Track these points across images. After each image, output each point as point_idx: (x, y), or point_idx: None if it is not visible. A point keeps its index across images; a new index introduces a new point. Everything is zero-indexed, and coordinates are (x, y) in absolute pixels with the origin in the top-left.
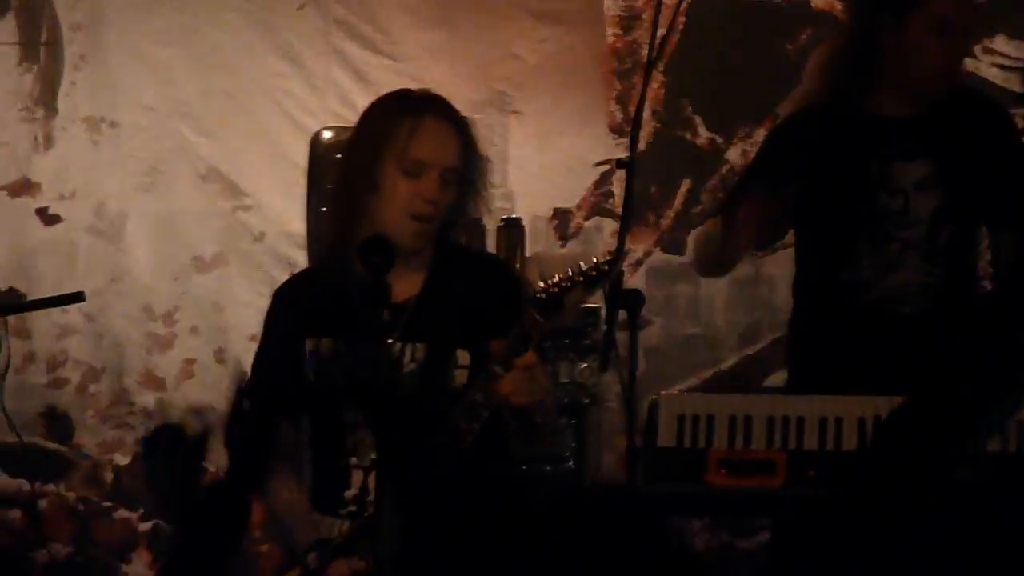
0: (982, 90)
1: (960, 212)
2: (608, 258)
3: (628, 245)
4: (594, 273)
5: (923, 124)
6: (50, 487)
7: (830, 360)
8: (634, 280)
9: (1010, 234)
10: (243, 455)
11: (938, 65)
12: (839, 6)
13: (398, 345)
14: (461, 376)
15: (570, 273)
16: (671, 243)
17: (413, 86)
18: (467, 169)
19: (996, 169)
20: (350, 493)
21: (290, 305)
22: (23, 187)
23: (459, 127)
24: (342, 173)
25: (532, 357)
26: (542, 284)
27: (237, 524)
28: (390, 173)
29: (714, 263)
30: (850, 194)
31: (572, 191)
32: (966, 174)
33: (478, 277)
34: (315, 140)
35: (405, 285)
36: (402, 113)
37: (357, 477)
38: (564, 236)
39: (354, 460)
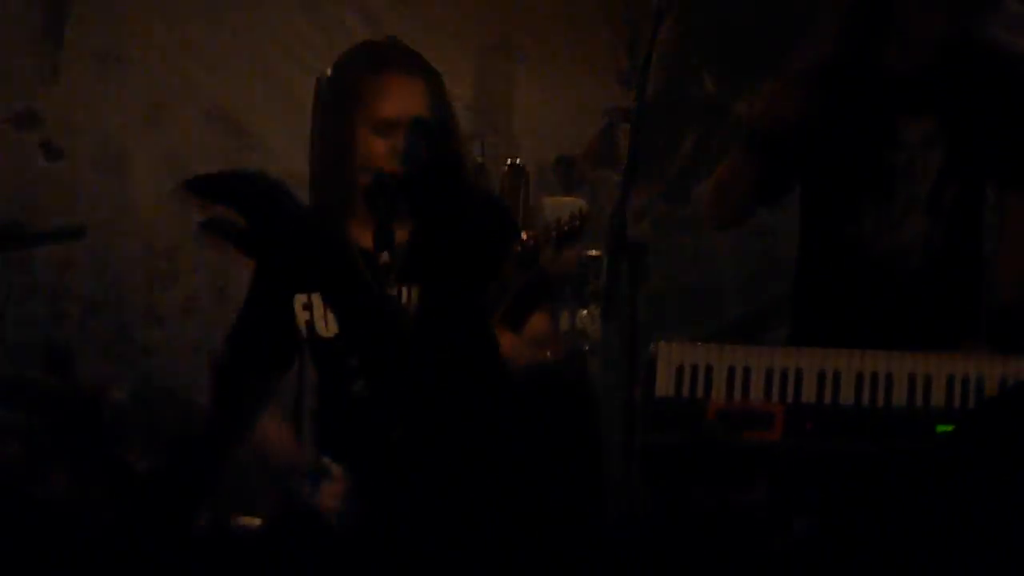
0: (994, 45)
1: (966, 169)
2: (579, 217)
3: (632, 195)
4: (566, 230)
5: (930, 79)
6: (48, 421)
7: (832, 314)
8: (637, 230)
9: (1017, 194)
10: (223, 406)
11: (945, 19)
12: None
13: (395, 289)
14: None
15: (545, 230)
16: (676, 194)
17: (421, 29)
18: (440, 116)
19: (1005, 126)
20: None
21: (280, 260)
22: (27, 120)
23: (426, 79)
24: (319, 133)
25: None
26: (523, 237)
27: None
28: (362, 134)
29: (728, 214)
30: (855, 150)
31: (578, 139)
32: (973, 131)
33: (476, 216)
34: (321, 81)
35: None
36: (367, 72)
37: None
38: (568, 184)
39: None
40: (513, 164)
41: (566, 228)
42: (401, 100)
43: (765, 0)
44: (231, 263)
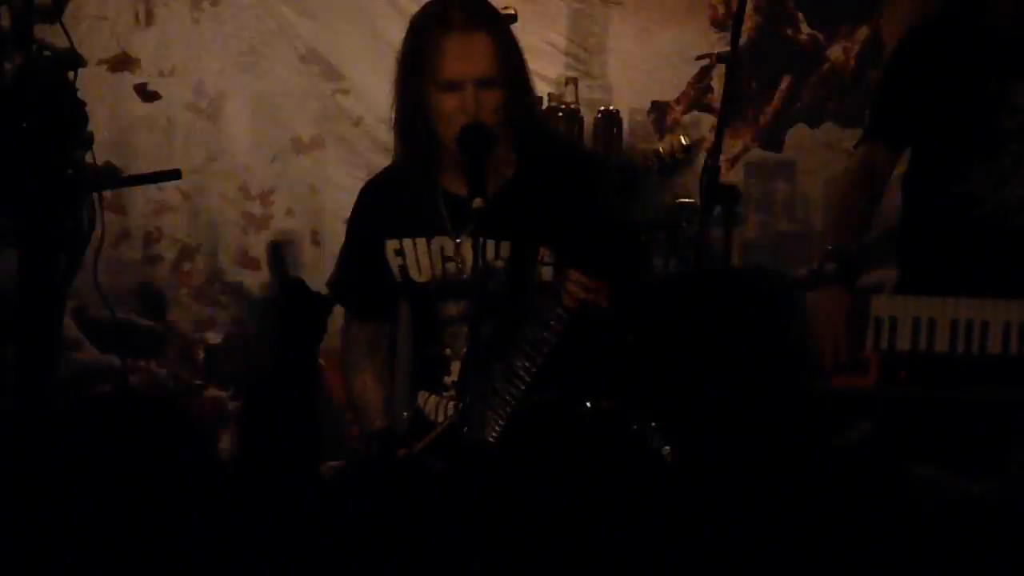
0: None
1: None
2: (684, 146)
3: (726, 141)
4: (670, 160)
5: None
6: (142, 363)
7: (941, 271)
8: (731, 176)
9: None
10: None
11: None
12: None
13: (481, 241)
14: (547, 272)
15: (652, 152)
16: (769, 139)
17: None
18: (506, 69)
19: None
20: (449, 379)
21: (373, 206)
22: (122, 62)
23: (489, 30)
24: (398, 89)
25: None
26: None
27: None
28: (432, 92)
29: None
30: (967, 112)
31: (672, 85)
32: None
33: (564, 170)
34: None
35: (492, 178)
36: (430, 33)
37: (455, 366)
38: (662, 130)
39: (448, 351)
40: (606, 110)
41: (669, 159)
42: (462, 60)
43: None
44: (325, 208)
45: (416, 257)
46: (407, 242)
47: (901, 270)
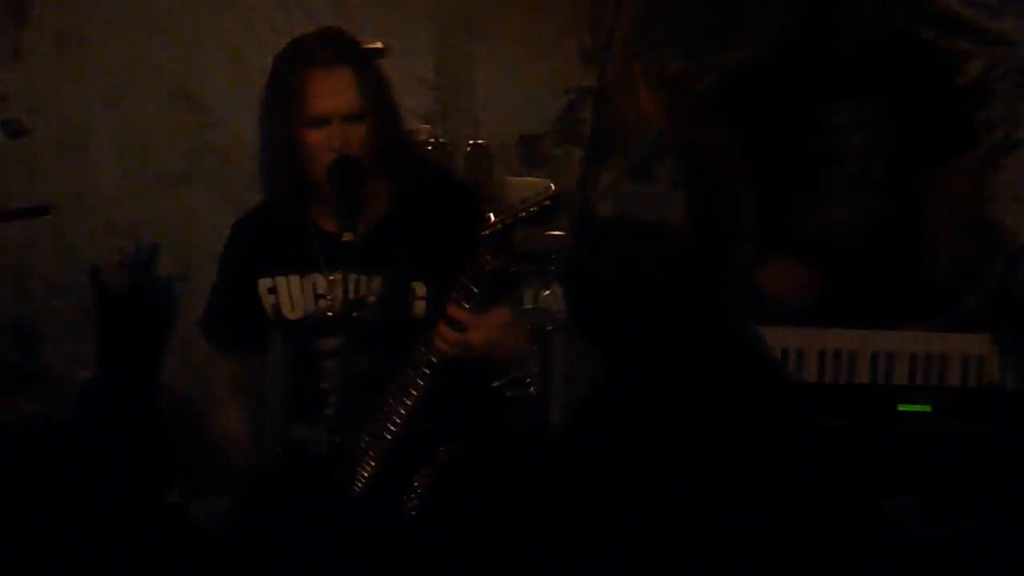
0: (916, 31)
1: (894, 149)
2: (553, 195)
3: (596, 173)
4: (535, 210)
5: (860, 61)
6: (14, 400)
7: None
8: (601, 208)
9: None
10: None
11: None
12: None
13: (353, 276)
14: (420, 307)
15: (514, 209)
16: (640, 171)
17: (382, 8)
18: (372, 102)
19: (926, 107)
20: (328, 411)
21: (245, 242)
22: None
23: (353, 64)
24: (264, 127)
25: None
26: (491, 219)
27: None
28: (298, 128)
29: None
30: (781, 141)
31: (541, 118)
32: (897, 112)
33: (438, 200)
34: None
35: (367, 213)
36: (293, 70)
37: (333, 398)
38: (532, 163)
39: (326, 385)
40: (475, 144)
41: (535, 208)
42: (326, 96)
43: None
44: (194, 244)
45: (289, 294)
46: (280, 280)
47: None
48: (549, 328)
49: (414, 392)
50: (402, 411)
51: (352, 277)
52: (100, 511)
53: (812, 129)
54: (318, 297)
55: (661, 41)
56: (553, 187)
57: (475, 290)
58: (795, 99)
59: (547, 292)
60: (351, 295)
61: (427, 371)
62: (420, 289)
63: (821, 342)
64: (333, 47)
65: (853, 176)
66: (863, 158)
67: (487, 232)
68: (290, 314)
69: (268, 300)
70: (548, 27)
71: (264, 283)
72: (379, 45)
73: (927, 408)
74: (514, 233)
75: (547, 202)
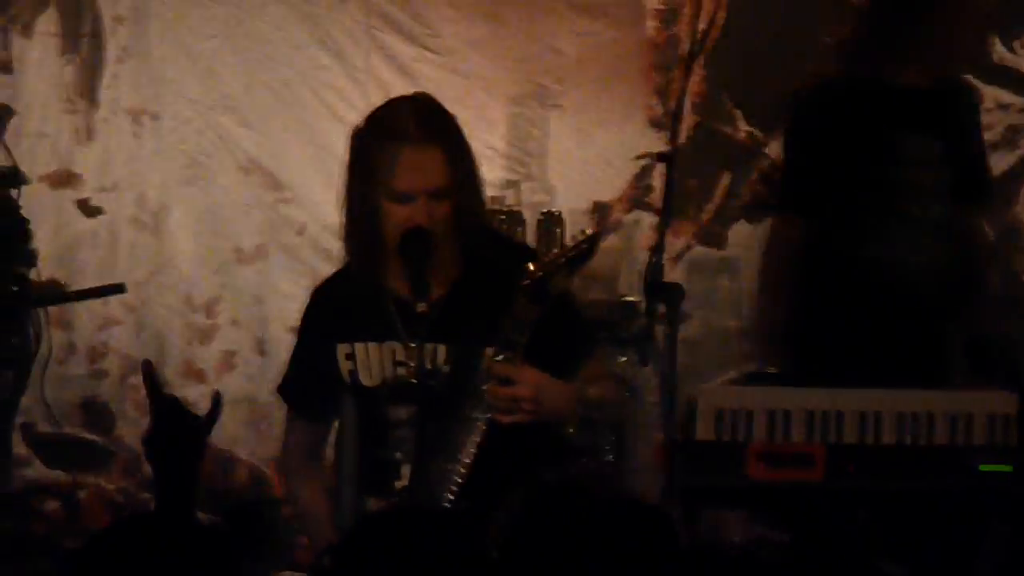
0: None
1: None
2: (589, 236)
3: (668, 239)
4: (573, 253)
5: (928, 100)
6: (89, 478)
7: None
8: (674, 274)
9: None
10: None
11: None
12: None
13: (429, 346)
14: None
15: (551, 257)
16: (711, 236)
17: (454, 79)
18: (458, 178)
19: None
20: (400, 484)
21: (323, 309)
22: (65, 178)
23: (441, 140)
24: (347, 195)
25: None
26: (529, 269)
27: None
28: (382, 202)
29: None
30: (862, 170)
31: (612, 185)
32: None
33: (509, 268)
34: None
35: (439, 281)
36: (382, 144)
37: (406, 470)
38: (603, 229)
39: (399, 455)
40: (548, 212)
41: (572, 253)
42: (415, 173)
43: (794, 41)
44: (270, 318)
45: (367, 361)
46: (359, 346)
47: (796, 357)
48: (626, 394)
49: (465, 458)
50: (456, 477)
51: (428, 346)
52: None
53: (886, 158)
54: (396, 364)
55: (729, 107)
56: (590, 228)
57: (517, 340)
58: (869, 125)
59: (622, 359)
60: (427, 364)
61: (476, 438)
62: (494, 355)
63: (894, 404)
64: (424, 123)
65: (922, 213)
66: (930, 195)
67: (526, 282)
68: (367, 381)
69: (346, 366)
70: (618, 95)
71: (343, 349)
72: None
73: (1008, 468)
74: (554, 280)
75: (583, 245)
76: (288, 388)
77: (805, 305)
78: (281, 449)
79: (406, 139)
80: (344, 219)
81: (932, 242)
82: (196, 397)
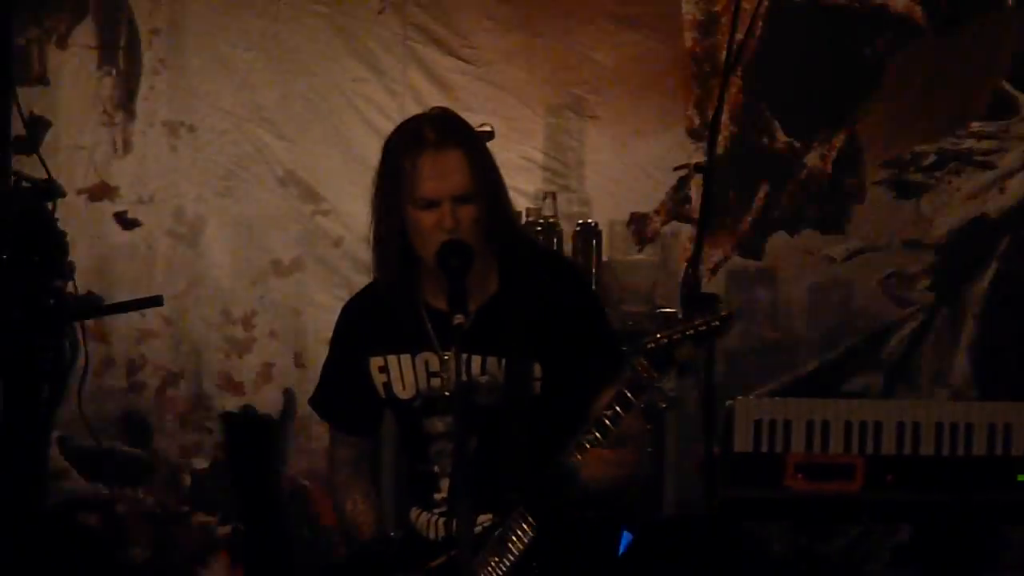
0: None
1: None
2: (721, 316)
3: (705, 250)
4: (704, 329)
5: None
6: (128, 491)
7: None
8: (711, 285)
9: None
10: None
11: None
12: (919, 10)
13: (465, 355)
14: (535, 388)
15: (682, 327)
16: (749, 247)
17: (491, 90)
18: (481, 184)
19: None
20: (439, 496)
21: (356, 323)
22: (102, 191)
23: (463, 146)
24: (375, 206)
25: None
26: (657, 336)
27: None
28: (409, 210)
29: None
30: None
31: (649, 196)
32: None
33: (549, 282)
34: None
35: (476, 292)
36: (404, 152)
37: (444, 483)
38: (641, 241)
39: (437, 468)
40: (584, 223)
41: (704, 328)
42: (437, 178)
43: (833, 52)
44: (308, 330)
45: (401, 373)
46: (391, 359)
47: None
48: (663, 406)
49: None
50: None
51: (464, 356)
52: None
53: None
54: (431, 375)
55: (767, 118)
56: (725, 312)
57: (634, 401)
58: None
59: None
60: (463, 376)
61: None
62: (536, 369)
63: (933, 415)
64: (443, 129)
65: None
66: None
67: (651, 346)
68: (402, 393)
69: (379, 379)
70: (656, 106)
71: (376, 362)
72: (488, 128)
73: None
74: (679, 349)
75: (716, 323)
76: (320, 400)
77: None
78: (327, 464)
79: (426, 145)
80: (373, 230)
81: None
82: (234, 409)
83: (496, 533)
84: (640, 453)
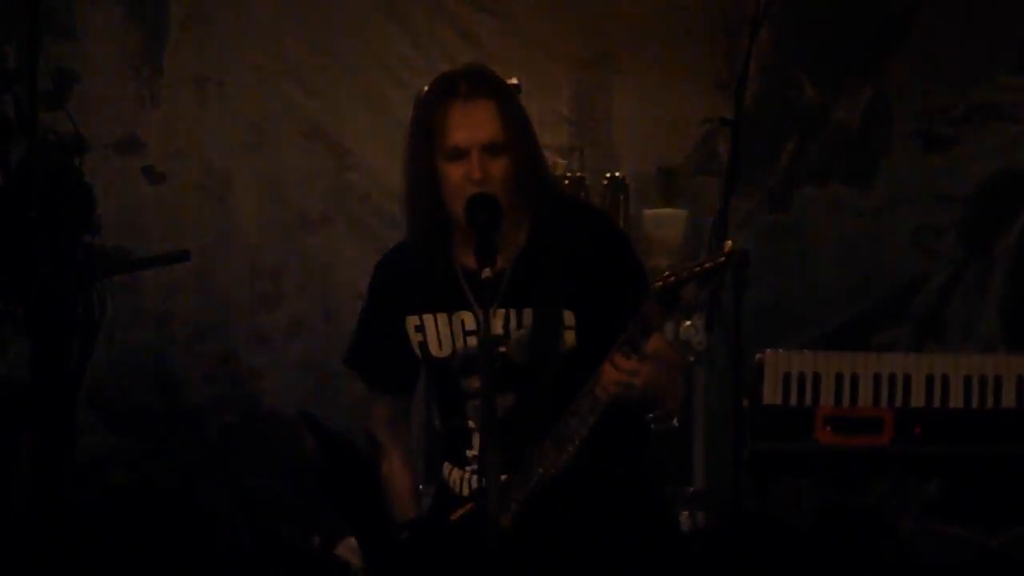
0: None
1: None
2: (726, 254)
3: (733, 204)
4: (709, 266)
5: None
6: (158, 446)
7: None
8: (739, 239)
9: None
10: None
11: None
12: None
13: (502, 311)
14: (570, 337)
15: (687, 267)
16: (777, 201)
17: (518, 44)
18: (512, 135)
19: None
20: (471, 453)
21: (390, 281)
22: (130, 145)
23: (494, 97)
24: (406, 161)
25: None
26: (664, 275)
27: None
28: (441, 163)
29: None
30: None
31: (677, 149)
32: None
33: (580, 230)
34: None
35: (507, 247)
36: (435, 104)
37: (476, 439)
38: (669, 195)
39: (472, 424)
40: (612, 176)
41: (709, 265)
42: (466, 127)
43: (861, 5)
44: (336, 284)
45: (437, 332)
46: (427, 318)
47: None
48: (691, 359)
49: (576, 440)
50: (564, 456)
51: (500, 312)
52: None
53: None
54: (467, 334)
55: (796, 70)
56: (729, 244)
57: (642, 342)
58: None
59: (687, 323)
60: (499, 331)
61: (591, 419)
62: (569, 318)
63: (962, 368)
64: (473, 81)
65: None
66: None
67: (659, 285)
68: (437, 352)
69: (415, 338)
70: (683, 59)
71: (412, 321)
72: (515, 82)
73: None
74: (684, 290)
75: (721, 259)
76: (355, 358)
77: None
78: (366, 422)
79: (456, 96)
80: (404, 187)
81: None
82: (262, 364)
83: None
84: (670, 377)
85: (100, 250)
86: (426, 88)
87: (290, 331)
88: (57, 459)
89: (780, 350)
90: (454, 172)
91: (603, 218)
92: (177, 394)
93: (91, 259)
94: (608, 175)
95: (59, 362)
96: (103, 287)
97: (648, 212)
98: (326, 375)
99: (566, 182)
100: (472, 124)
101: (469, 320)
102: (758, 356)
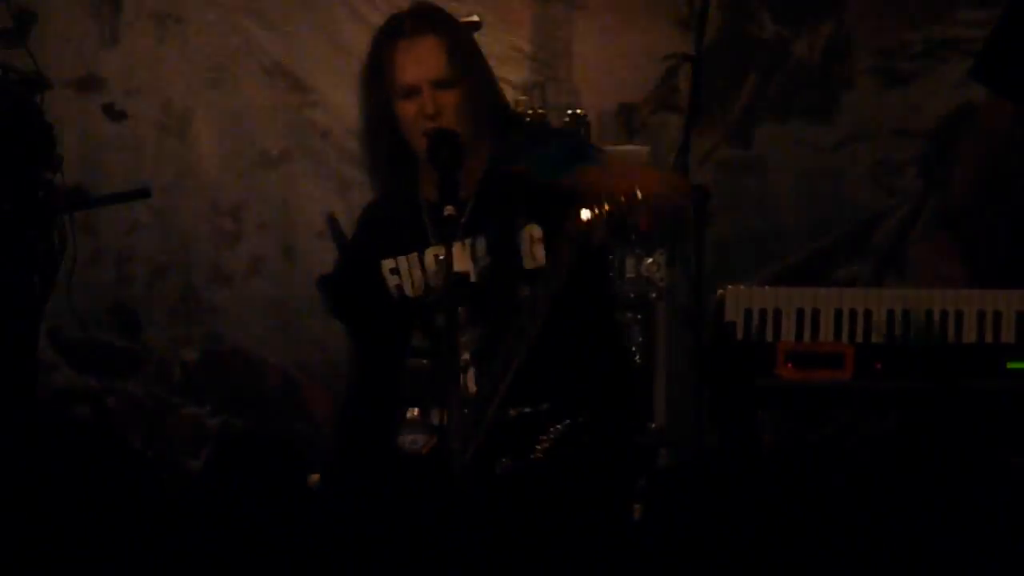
0: None
1: None
2: (633, 197)
3: (694, 140)
4: (619, 217)
5: None
6: (118, 383)
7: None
8: (700, 175)
9: None
10: None
11: None
12: None
13: (468, 241)
14: (539, 252)
15: (600, 212)
16: (737, 137)
17: None
18: (462, 69)
19: None
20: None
21: (367, 229)
22: (90, 83)
23: (439, 33)
24: (363, 105)
25: None
26: (585, 213)
27: None
28: (396, 101)
29: None
30: None
31: (638, 85)
32: None
33: (538, 142)
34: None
35: (468, 177)
36: (383, 44)
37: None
38: (630, 131)
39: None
40: (574, 113)
41: (617, 215)
42: (414, 64)
43: None
44: (296, 222)
45: (409, 272)
46: (401, 259)
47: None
48: (652, 296)
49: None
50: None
51: (467, 243)
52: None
53: None
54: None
55: (756, 6)
56: (642, 188)
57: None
58: None
59: (649, 260)
60: (467, 263)
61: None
62: (536, 231)
63: (923, 302)
64: (418, 18)
65: None
66: None
67: (573, 230)
68: (411, 292)
69: (392, 281)
70: None
71: (387, 264)
72: (475, 18)
73: None
74: (596, 233)
75: (632, 202)
76: (339, 310)
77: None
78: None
79: (402, 34)
80: (363, 125)
81: None
82: (223, 301)
83: None
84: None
85: (60, 188)
86: (377, 29)
87: (250, 268)
88: (18, 395)
89: (741, 285)
90: (408, 109)
91: (560, 131)
92: (138, 332)
93: (51, 197)
94: (569, 111)
95: (20, 298)
96: (64, 224)
97: (609, 148)
98: (287, 311)
99: (527, 118)
100: (419, 61)
101: (439, 256)
102: (720, 292)
